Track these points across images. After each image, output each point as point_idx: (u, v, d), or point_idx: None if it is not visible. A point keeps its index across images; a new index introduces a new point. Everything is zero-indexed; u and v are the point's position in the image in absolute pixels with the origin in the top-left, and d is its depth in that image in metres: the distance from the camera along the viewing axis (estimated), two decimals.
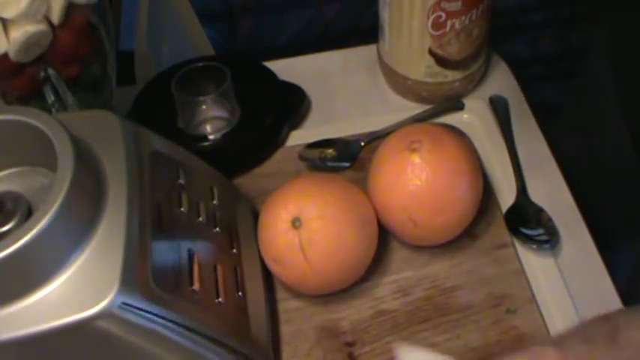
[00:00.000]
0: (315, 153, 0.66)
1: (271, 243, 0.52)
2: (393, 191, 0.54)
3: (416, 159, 0.53)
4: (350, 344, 0.53)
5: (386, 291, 0.56)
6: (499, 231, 0.59)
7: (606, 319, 0.43)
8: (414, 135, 0.54)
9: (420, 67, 0.67)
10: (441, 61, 0.65)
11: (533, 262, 0.57)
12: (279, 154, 0.67)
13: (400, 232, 0.56)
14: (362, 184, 0.57)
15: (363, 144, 0.66)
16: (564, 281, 0.55)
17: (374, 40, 0.71)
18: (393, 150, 0.55)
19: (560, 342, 0.42)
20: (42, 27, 0.50)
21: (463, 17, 0.61)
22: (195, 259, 0.47)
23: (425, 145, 0.53)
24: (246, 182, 0.64)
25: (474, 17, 0.62)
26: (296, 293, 0.56)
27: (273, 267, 0.53)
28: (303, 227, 0.51)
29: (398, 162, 0.54)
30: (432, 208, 0.53)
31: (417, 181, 0.53)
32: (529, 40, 1.51)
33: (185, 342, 0.42)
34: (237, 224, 0.55)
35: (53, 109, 0.55)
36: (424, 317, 0.54)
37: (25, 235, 0.37)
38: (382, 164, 0.55)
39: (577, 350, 0.41)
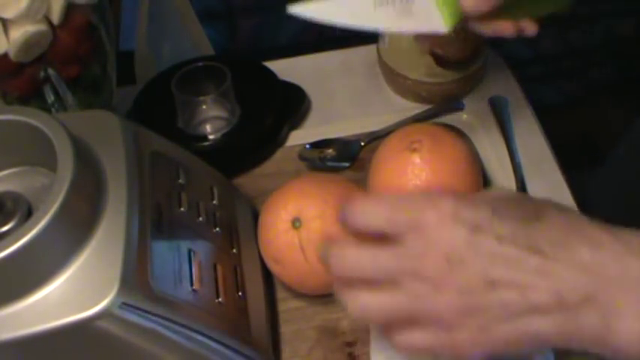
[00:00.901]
0: (314, 153, 0.66)
1: (271, 243, 0.52)
2: (392, 191, 0.54)
3: (416, 159, 0.53)
4: (350, 344, 0.53)
5: None
6: None
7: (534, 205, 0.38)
8: (415, 135, 0.54)
9: (419, 67, 0.67)
10: (441, 61, 0.65)
11: None
12: (279, 154, 0.67)
13: None
14: (362, 184, 0.57)
15: (363, 144, 0.66)
16: None
17: (374, 40, 0.71)
18: (393, 150, 0.55)
19: (469, 197, 0.38)
20: (42, 27, 0.50)
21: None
22: (195, 259, 0.47)
23: (425, 145, 0.53)
24: (246, 182, 0.64)
25: None
26: (296, 293, 0.56)
27: (273, 267, 0.53)
28: (303, 227, 0.51)
29: (398, 162, 0.54)
30: None
31: (416, 181, 0.53)
32: (529, 40, 1.51)
33: (185, 342, 0.42)
34: (237, 224, 0.55)
35: (53, 109, 0.55)
36: None
37: (25, 235, 0.37)
38: (382, 164, 0.55)
39: (480, 210, 0.37)
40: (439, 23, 0.48)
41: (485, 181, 0.59)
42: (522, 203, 0.38)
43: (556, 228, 0.37)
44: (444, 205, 0.37)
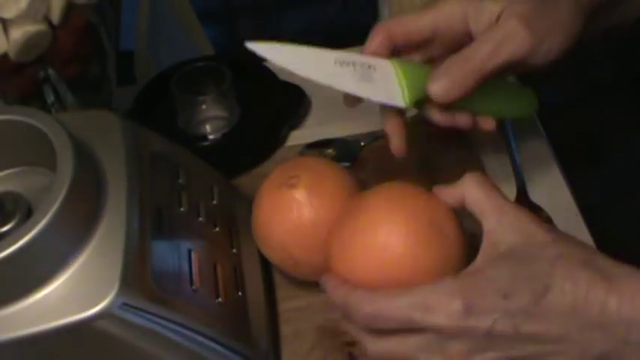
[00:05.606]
0: (315, 153, 0.66)
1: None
2: (271, 228, 0.51)
3: (293, 195, 0.50)
4: (350, 344, 0.53)
5: None
6: None
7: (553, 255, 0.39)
8: (293, 170, 0.52)
9: None
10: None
11: None
12: (279, 154, 0.67)
13: (283, 268, 0.54)
14: (362, 184, 0.57)
15: (363, 144, 0.66)
16: None
17: None
18: (272, 185, 0.52)
19: (474, 283, 0.39)
20: (42, 27, 0.50)
21: None
22: (195, 259, 0.47)
23: (303, 181, 0.50)
24: (246, 182, 0.64)
25: None
26: (296, 293, 0.56)
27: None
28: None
29: (275, 198, 0.51)
30: (312, 246, 0.50)
31: (294, 218, 0.50)
32: None
33: (185, 342, 0.42)
34: (237, 224, 0.55)
35: (53, 109, 0.55)
36: None
37: (25, 235, 0.37)
38: (261, 200, 0.52)
39: (489, 299, 0.38)
40: (398, 97, 0.48)
41: None
42: (530, 269, 0.39)
43: (565, 294, 0.38)
44: (453, 307, 0.38)
